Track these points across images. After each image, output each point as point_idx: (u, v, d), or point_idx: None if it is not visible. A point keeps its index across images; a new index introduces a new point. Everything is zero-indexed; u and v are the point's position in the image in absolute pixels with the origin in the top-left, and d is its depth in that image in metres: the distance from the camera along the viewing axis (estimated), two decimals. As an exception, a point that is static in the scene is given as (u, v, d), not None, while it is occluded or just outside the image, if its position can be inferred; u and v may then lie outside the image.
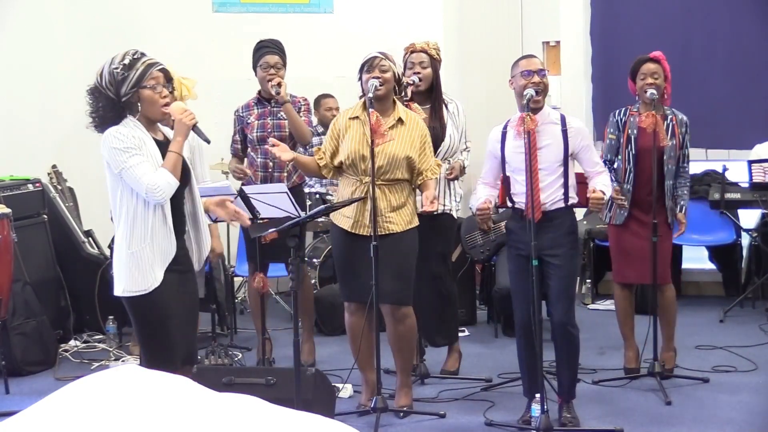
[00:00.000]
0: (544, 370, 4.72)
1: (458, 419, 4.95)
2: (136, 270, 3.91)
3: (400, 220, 4.87)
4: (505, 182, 4.80)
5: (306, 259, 6.77)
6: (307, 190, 6.59)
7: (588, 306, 7.36)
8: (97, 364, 6.06)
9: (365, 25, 7.90)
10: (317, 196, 6.91)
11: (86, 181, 6.94)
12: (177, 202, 4.02)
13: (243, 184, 5.66)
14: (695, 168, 5.74)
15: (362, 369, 5.03)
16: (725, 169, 6.99)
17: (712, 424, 4.81)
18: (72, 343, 6.52)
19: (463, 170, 5.52)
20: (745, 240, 7.34)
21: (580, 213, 6.70)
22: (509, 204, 4.82)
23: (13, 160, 6.87)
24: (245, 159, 5.89)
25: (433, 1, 8.09)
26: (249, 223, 4.52)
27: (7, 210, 5.75)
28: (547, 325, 5.12)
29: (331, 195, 6.90)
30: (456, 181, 5.52)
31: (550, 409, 4.57)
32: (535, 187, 4.61)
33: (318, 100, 7.31)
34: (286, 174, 5.75)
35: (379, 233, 4.77)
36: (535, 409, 4.57)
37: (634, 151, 5.42)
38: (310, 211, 5.61)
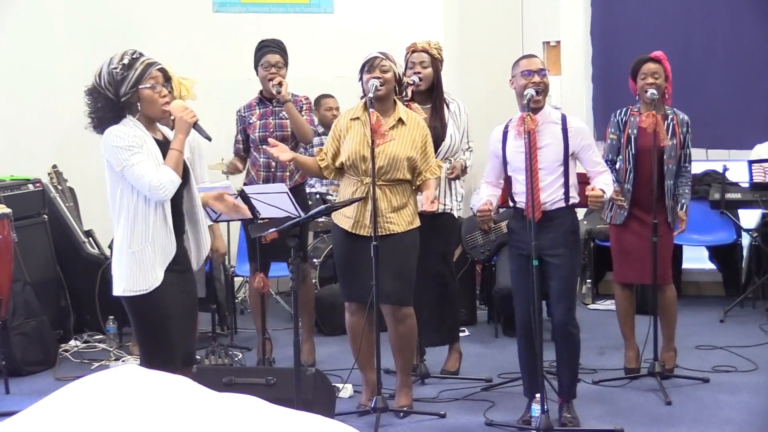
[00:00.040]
0: (544, 370, 4.72)
1: (458, 419, 4.95)
2: (137, 269, 3.91)
3: (400, 221, 4.87)
4: (507, 182, 4.80)
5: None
6: (308, 190, 6.60)
7: (588, 306, 7.35)
8: (97, 364, 6.06)
9: (365, 25, 7.90)
10: (317, 196, 6.91)
11: (86, 181, 6.94)
12: (176, 201, 4.02)
13: (244, 184, 5.67)
14: (695, 168, 5.74)
15: (362, 369, 5.03)
16: (725, 169, 6.99)
17: (712, 424, 4.81)
18: (72, 343, 6.52)
19: (464, 170, 5.52)
20: (746, 240, 7.34)
21: (580, 213, 6.70)
22: (511, 204, 4.83)
23: (13, 160, 6.87)
24: (248, 159, 5.89)
25: (433, 0, 8.09)
26: (249, 214, 4.52)
27: (8, 210, 5.75)
28: (547, 325, 5.13)
29: (332, 195, 6.91)
30: (457, 181, 5.52)
31: (550, 409, 4.57)
32: (535, 187, 4.61)
33: (318, 100, 7.31)
34: (288, 173, 5.75)
35: (380, 233, 4.77)
36: (535, 409, 4.57)
37: (634, 151, 5.42)
38: (311, 210, 5.61)
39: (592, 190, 4.58)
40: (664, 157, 5.37)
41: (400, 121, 4.89)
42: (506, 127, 4.78)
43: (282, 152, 4.95)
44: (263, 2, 7.91)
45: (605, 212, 5.59)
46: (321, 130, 7.02)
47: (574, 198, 4.71)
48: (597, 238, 7.43)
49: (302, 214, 4.59)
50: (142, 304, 3.94)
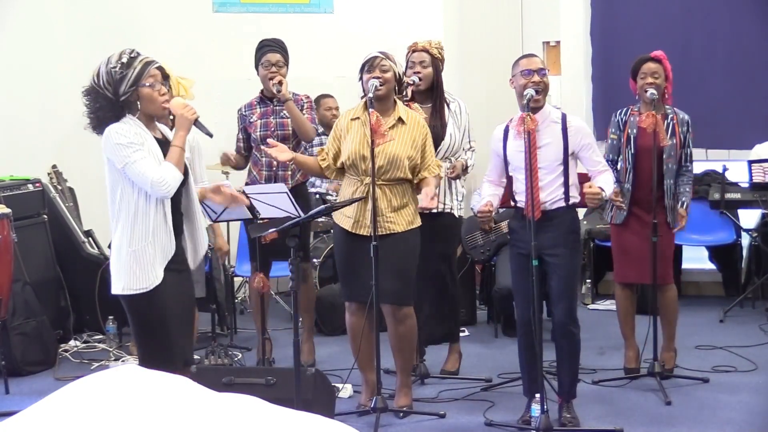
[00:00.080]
0: (544, 370, 4.72)
1: (458, 419, 4.95)
2: (138, 268, 3.90)
3: (401, 220, 4.87)
4: (509, 181, 4.81)
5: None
6: (310, 189, 6.60)
7: (588, 306, 7.35)
8: (97, 364, 6.06)
9: (365, 25, 7.90)
10: (317, 196, 6.91)
11: (86, 181, 6.94)
12: (175, 200, 4.02)
13: (246, 183, 5.68)
14: (695, 168, 5.73)
15: (362, 369, 5.03)
16: (725, 169, 6.99)
17: (712, 424, 4.81)
18: (72, 343, 6.52)
19: (466, 169, 5.51)
20: (745, 240, 7.34)
21: (581, 213, 6.70)
22: (512, 203, 4.83)
23: (13, 160, 6.87)
24: (249, 158, 5.90)
25: (433, 1, 8.09)
26: (248, 202, 4.51)
27: (7, 210, 5.75)
28: (547, 325, 5.12)
29: (331, 195, 6.91)
30: (458, 180, 5.51)
31: (550, 409, 4.57)
32: (534, 187, 4.61)
33: (317, 100, 7.30)
34: (290, 173, 5.75)
35: (380, 233, 4.77)
36: (535, 409, 4.57)
37: (633, 151, 5.42)
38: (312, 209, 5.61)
39: (590, 187, 4.57)
40: (664, 156, 5.37)
41: (400, 120, 4.89)
42: (507, 126, 4.78)
43: (281, 152, 4.96)
44: (263, 2, 7.91)
45: (606, 212, 5.59)
46: (320, 130, 7.02)
47: (575, 198, 4.71)
48: (597, 238, 7.42)
49: (302, 214, 4.58)
50: (141, 303, 3.93)
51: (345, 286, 5.04)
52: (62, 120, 6.93)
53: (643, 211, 5.41)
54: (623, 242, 5.51)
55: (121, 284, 3.94)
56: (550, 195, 4.65)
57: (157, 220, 3.91)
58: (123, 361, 6.11)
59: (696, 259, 7.72)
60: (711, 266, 7.67)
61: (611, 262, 5.69)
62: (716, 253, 7.58)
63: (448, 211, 5.48)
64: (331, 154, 4.98)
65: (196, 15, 7.76)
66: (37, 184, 6.57)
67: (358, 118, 4.92)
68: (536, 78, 4.64)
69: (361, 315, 4.93)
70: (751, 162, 6.86)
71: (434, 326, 5.60)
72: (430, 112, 5.40)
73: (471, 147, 5.56)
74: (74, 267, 6.68)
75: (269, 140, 5.19)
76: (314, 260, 6.99)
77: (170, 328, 3.97)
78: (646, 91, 5.33)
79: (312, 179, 6.79)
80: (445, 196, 5.45)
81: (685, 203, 5.44)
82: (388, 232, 4.82)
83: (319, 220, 6.55)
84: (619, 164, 5.49)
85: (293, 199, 4.95)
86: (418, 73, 5.39)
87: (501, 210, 5.98)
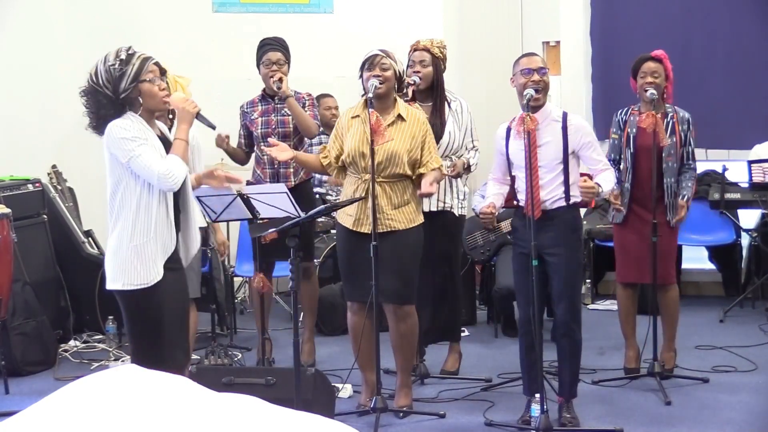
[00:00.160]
0: (544, 370, 4.72)
1: (458, 419, 4.95)
2: (139, 263, 3.88)
3: (402, 218, 4.87)
4: (512, 180, 4.81)
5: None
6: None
7: (588, 306, 7.35)
8: (96, 364, 6.06)
9: (365, 25, 7.90)
10: (317, 196, 6.91)
11: (86, 181, 6.94)
12: (175, 196, 4.01)
13: (249, 183, 5.68)
14: (695, 168, 5.73)
15: (362, 369, 5.03)
16: (725, 169, 6.99)
17: (712, 424, 4.81)
18: (72, 343, 6.52)
19: (468, 168, 5.50)
20: (745, 240, 7.34)
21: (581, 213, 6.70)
22: (515, 202, 4.83)
23: (13, 160, 6.87)
24: (250, 154, 5.91)
25: (433, 1, 8.09)
26: (243, 182, 4.51)
27: (7, 210, 5.75)
28: (547, 325, 5.12)
29: (331, 195, 6.91)
30: (459, 179, 5.50)
31: (550, 409, 4.57)
32: (534, 186, 4.61)
33: (317, 100, 7.31)
34: (292, 170, 5.75)
35: (381, 231, 4.77)
36: (535, 409, 4.57)
37: (633, 150, 5.42)
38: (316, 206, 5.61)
39: (585, 181, 4.57)
40: (663, 155, 5.37)
41: (400, 117, 4.89)
42: (510, 125, 4.78)
43: (281, 152, 4.97)
44: (263, 2, 7.91)
45: (609, 213, 5.60)
46: (320, 129, 7.01)
47: (576, 197, 4.70)
48: (597, 238, 7.42)
49: (302, 214, 4.59)
50: (141, 299, 3.90)
51: (347, 285, 5.04)
52: (62, 120, 6.94)
53: (643, 210, 5.41)
54: (624, 242, 5.51)
55: (121, 280, 3.91)
56: (551, 194, 4.65)
57: (159, 215, 3.90)
58: (123, 361, 6.11)
59: (696, 259, 7.72)
60: (711, 266, 7.68)
61: (611, 262, 5.69)
62: (716, 253, 7.58)
63: (448, 209, 5.48)
64: (333, 153, 4.99)
65: (196, 15, 7.76)
66: (37, 184, 6.57)
67: (358, 116, 4.93)
68: (536, 77, 4.64)
69: (362, 315, 4.93)
70: (750, 162, 6.87)
71: (435, 325, 5.59)
72: (431, 111, 5.40)
73: (474, 146, 5.54)
74: (74, 267, 6.68)
75: (270, 139, 5.20)
76: (314, 260, 6.99)
77: (166, 326, 3.95)
78: (645, 91, 5.33)
79: (318, 176, 6.76)
80: (445, 195, 5.45)
81: (686, 196, 5.41)
82: (389, 230, 4.82)
83: (319, 219, 6.55)
84: (622, 164, 5.49)
85: (293, 199, 4.94)
86: (418, 72, 5.39)
87: (501, 210, 5.97)
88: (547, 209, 4.65)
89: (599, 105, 7.89)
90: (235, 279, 7.10)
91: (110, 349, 6.36)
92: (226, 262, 6.70)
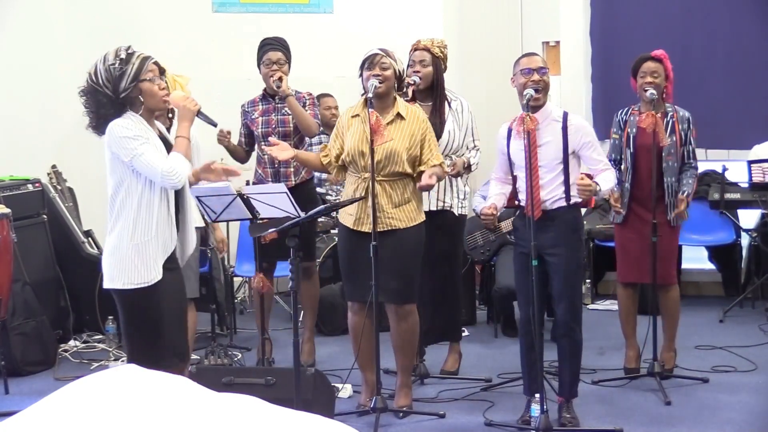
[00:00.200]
0: (544, 370, 4.72)
1: (458, 419, 4.95)
2: (140, 262, 3.88)
3: (403, 216, 4.87)
4: (514, 180, 4.81)
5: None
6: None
7: (588, 306, 7.35)
8: (96, 364, 6.06)
9: (365, 25, 7.90)
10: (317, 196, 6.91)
11: (86, 181, 6.94)
12: (175, 196, 4.01)
13: (252, 182, 5.67)
14: (695, 168, 5.73)
15: (362, 368, 5.03)
16: (725, 169, 7.00)
17: (712, 424, 4.81)
18: (72, 343, 6.52)
19: (468, 168, 5.49)
20: (745, 240, 7.34)
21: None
22: (516, 202, 4.83)
23: (13, 160, 6.87)
24: (250, 152, 5.91)
25: (433, 1, 8.09)
26: (240, 174, 4.52)
27: (7, 210, 5.75)
28: (547, 325, 5.12)
29: (331, 195, 6.91)
30: (459, 179, 5.50)
31: (550, 409, 4.57)
32: (534, 186, 4.61)
33: (317, 100, 7.31)
34: (293, 170, 5.76)
35: (382, 230, 4.77)
36: (535, 409, 4.57)
37: (632, 150, 5.42)
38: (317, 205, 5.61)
39: (581, 179, 4.56)
40: (663, 154, 5.37)
41: (399, 115, 4.89)
42: (511, 125, 4.78)
43: (281, 151, 4.97)
44: (263, 2, 7.91)
45: (610, 213, 5.61)
46: (320, 128, 7.01)
47: (576, 197, 4.70)
48: (597, 238, 7.42)
49: (302, 214, 4.59)
50: (140, 298, 3.90)
51: (347, 284, 5.04)
52: (62, 120, 6.93)
53: (643, 210, 5.41)
54: (624, 241, 5.51)
55: (121, 279, 3.90)
56: (551, 194, 4.65)
57: (161, 214, 3.90)
58: (123, 361, 6.10)
59: (696, 259, 7.72)
60: (711, 266, 7.67)
61: (611, 262, 5.68)
62: (716, 253, 7.58)
63: (448, 209, 5.47)
64: (334, 152, 4.99)
65: (196, 15, 7.76)
66: (37, 184, 6.57)
67: (358, 115, 4.93)
68: (536, 77, 4.64)
69: (363, 314, 4.93)
70: (750, 162, 6.87)
71: (435, 325, 5.59)
72: (431, 110, 5.40)
73: (475, 146, 5.53)
74: (74, 267, 6.68)
75: (270, 139, 5.20)
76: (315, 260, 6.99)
77: (164, 326, 3.95)
78: (645, 91, 5.33)
79: (318, 176, 6.76)
80: (445, 194, 5.45)
81: (686, 191, 5.40)
82: (389, 228, 4.82)
83: (320, 219, 6.55)
84: (622, 164, 5.49)
85: (292, 199, 4.94)
86: (418, 72, 5.39)
87: (502, 210, 5.96)
88: (547, 209, 4.65)
89: (599, 105, 7.89)
90: (235, 279, 7.10)
91: (110, 349, 6.36)
92: (226, 262, 6.70)
